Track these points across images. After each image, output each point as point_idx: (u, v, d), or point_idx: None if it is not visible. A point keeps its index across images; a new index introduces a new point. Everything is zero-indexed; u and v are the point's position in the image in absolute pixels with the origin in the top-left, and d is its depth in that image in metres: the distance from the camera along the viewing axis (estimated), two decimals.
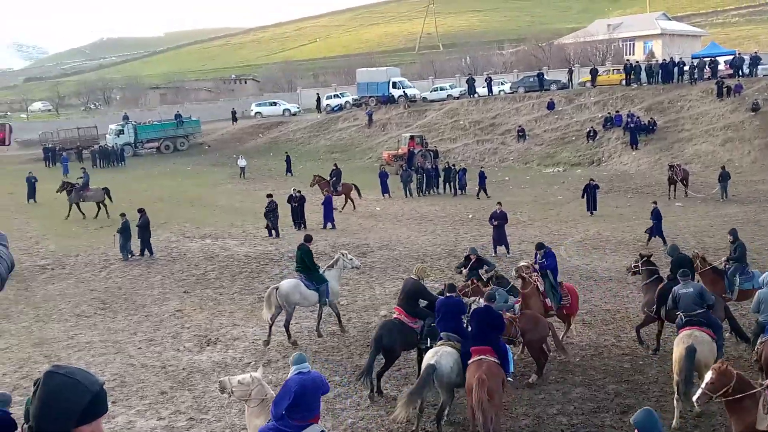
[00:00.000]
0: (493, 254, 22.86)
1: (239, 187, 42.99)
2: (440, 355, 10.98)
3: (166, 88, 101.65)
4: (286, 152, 50.32)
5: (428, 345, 12.25)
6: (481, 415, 9.99)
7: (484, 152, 50.20)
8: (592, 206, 30.49)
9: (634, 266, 15.51)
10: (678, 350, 11.12)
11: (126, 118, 62.61)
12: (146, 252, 24.76)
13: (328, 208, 30.13)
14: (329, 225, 29.69)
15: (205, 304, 18.93)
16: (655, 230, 24.09)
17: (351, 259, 16.73)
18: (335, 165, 37.46)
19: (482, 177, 36.65)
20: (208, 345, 15.79)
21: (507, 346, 11.64)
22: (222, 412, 12.33)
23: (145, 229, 24.72)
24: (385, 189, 38.02)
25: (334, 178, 35.30)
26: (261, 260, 23.92)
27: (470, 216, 30.90)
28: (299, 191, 30.52)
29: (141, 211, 25.00)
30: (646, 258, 15.34)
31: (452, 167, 40.01)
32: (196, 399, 12.89)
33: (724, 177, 32.75)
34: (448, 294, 11.93)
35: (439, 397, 11.21)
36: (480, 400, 9.99)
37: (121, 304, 19.14)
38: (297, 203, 29.97)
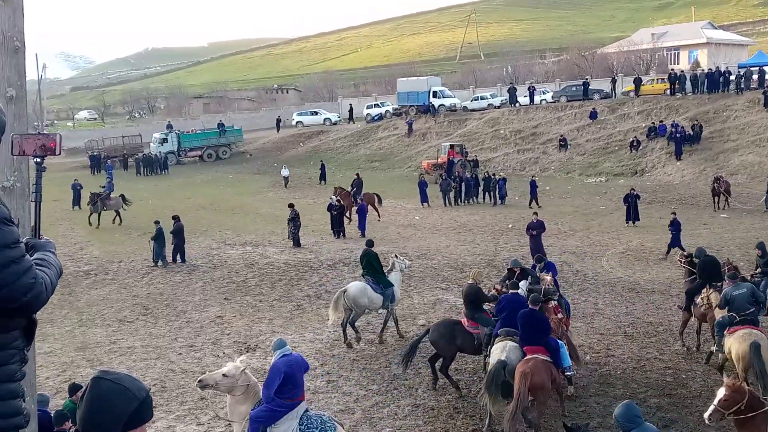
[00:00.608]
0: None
1: (280, 196, 43.28)
2: (508, 350, 11.35)
3: (209, 98, 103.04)
4: (321, 160, 50.64)
5: (488, 353, 12.36)
6: (514, 405, 10.31)
7: (524, 162, 49.85)
8: (633, 216, 30.07)
9: (679, 259, 16.52)
10: (741, 347, 11.41)
11: (170, 126, 63.61)
12: (178, 259, 25.02)
13: (361, 216, 30.23)
14: (361, 233, 29.82)
15: (245, 311, 19.06)
16: (674, 241, 23.71)
17: (403, 260, 17.28)
18: (357, 175, 37.44)
19: (534, 186, 36.35)
20: (247, 351, 15.86)
21: (558, 341, 11.94)
22: None
23: (177, 235, 24.99)
24: (424, 198, 37.95)
25: (356, 189, 35.00)
26: (300, 268, 24.02)
27: (510, 226, 30.67)
28: (339, 200, 30.64)
29: (175, 218, 25.34)
30: (689, 257, 15.69)
31: (492, 176, 39.78)
32: None
33: None
34: (512, 291, 12.48)
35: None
36: (519, 392, 10.34)
37: (162, 310, 19.38)
38: (336, 212, 30.10)
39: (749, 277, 15.15)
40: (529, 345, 11.14)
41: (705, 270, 14.65)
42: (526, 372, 10.55)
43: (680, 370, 13.88)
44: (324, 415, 9.50)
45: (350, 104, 69.62)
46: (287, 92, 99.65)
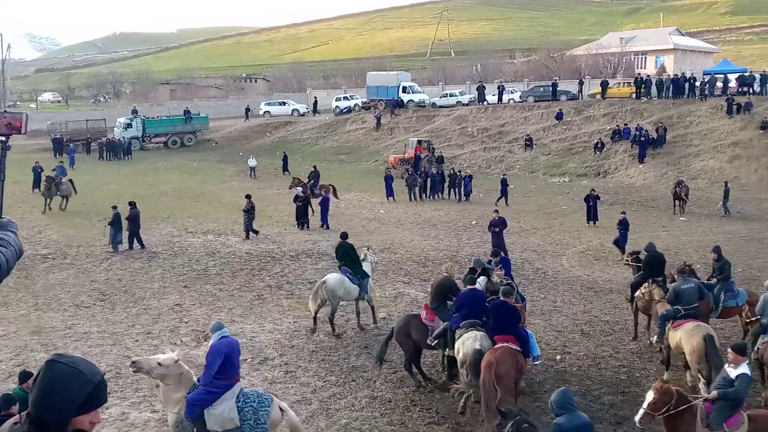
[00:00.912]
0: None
1: (245, 185, 42.92)
2: (480, 338, 11.65)
3: (176, 84, 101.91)
4: (284, 151, 50.49)
5: (451, 347, 12.58)
6: (483, 394, 10.63)
7: (490, 160, 50.14)
8: (593, 216, 30.50)
9: (625, 258, 17.47)
10: (695, 339, 11.91)
11: (135, 112, 62.83)
12: (136, 245, 24.75)
13: (324, 208, 30.18)
14: (324, 225, 29.81)
15: (205, 300, 18.92)
16: (621, 239, 24.09)
17: (372, 254, 17.74)
18: (314, 167, 36.89)
19: (504, 184, 36.61)
20: (205, 340, 15.71)
21: (528, 331, 12.35)
22: None
23: (132, 222, 24.69)
24: (389, 192, 38.00)
25: (313, 181, 34.52)
26: (262, 258, 23.90)
27: (473, 222, 30.85)
28: (304, 191, 30.54)
29: (132, 204, 25.03)
30: (635, 254, 17.11)
31: (458, 173, 39.97)
32: None
33: (725, 193, 32.75)
34: (470, 287, 12.66)
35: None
36: (484, 381, 10.66)
37: (120, 296, 19.15)
38: (302, 203, 30.00)
39: (705, 281, 15.45)
40: (500, 334, 11.41)
41: (650, 264, 15.51)
42: (491, 362, 10.81)
43: (634, 369, 14.10)
44: (259, 390, 9.79)
45: (315, 97, 69.47)
46: (256, 81, 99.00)
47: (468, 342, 11.71)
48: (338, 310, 16.50)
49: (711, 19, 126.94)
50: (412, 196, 38.36)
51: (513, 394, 11.61)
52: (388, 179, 38.43)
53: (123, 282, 20.65)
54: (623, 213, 25.55)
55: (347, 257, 16.75)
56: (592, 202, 30.58)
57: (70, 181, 33.67)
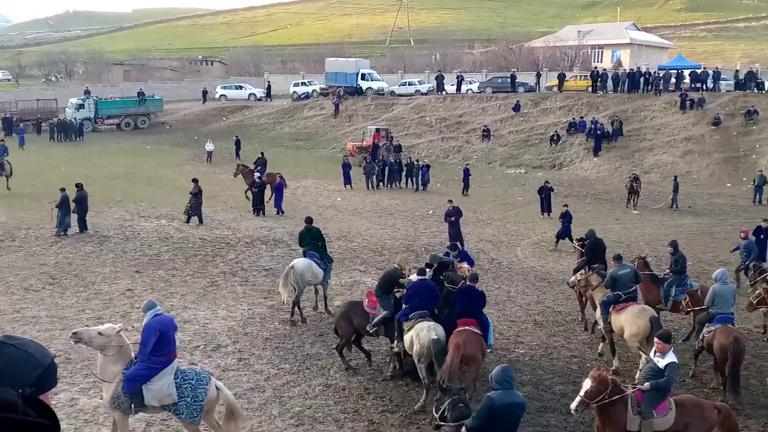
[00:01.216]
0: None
1: (199, 169, 42.44)
2: (434, 328, 11.72)
3: (130, 65, 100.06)
4: (236, 135, 50.05)
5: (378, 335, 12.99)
6: (445, 374, 10.63)
7: (448, 150, 50.32)
8: (546, 208, 30.84)
9: (573, 244, 18.80)
10: (642, 321, 12.71)
11: (87, 92, 61.47)
12: (86, 228, 24.30)
13: (278, 194, 29.96)
14: (279, 212, 29.66)
15: (157, 285, 18.64)
16: (564, 232, 24.49)
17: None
18: (261, 153, 36.38)
19: (467, 174, 36.83)
20: None
21: (489, 319, 12.58)
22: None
23: (79, 204, 24.17)
24: (347, 180, 37.89)
25: (259, 167, 33.74)
26: (217, 244, 23.64)
27: (430, 212, 30.94)
28: (261, 177, 30.27)
29: (79, 186, 24.50)
30: (582, 240, 17.72)
31: (415, 163, 40.02)
32: None
33: (675, 187, 33.41)
34: (420, 278, 12.65)
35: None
36: (451, 362, 10.78)
37: (70, 281, 18.76)
38: (258, 189, 29.74)
39: (662, 275, 15.72)
40: (464, 318, 11.69)
41: (592, 249, 16.33)
42: (459, 343, 11.03)
43: (585, 359, 14.29)
44: (197, 368, 10.08)
45: (268, 81, 68.80)
46: (212, 64, 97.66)
47: (423, 333, 11.70)
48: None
49: (667, 14, 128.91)
50: (370, 185, 38.32)
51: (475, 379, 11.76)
52: (346, 167, 38.31)
53: (73, 266, 20.23)
54: (566, 206, 25.86)
55: (314, 241, 16.94)
56: (545, 194, 30.92)
57: (8, 162, 32.82)
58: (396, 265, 13.90)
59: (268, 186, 31.08)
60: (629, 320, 13.04)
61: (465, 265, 14.64)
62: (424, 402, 11.65)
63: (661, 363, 9.24)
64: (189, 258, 21.73)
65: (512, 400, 7.80)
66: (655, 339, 9.62)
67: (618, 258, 14.18)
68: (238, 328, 15.56)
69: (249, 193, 31.02)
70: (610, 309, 13.52)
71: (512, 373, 8.02)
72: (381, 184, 38.96)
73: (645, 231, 27.88)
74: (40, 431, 2.57)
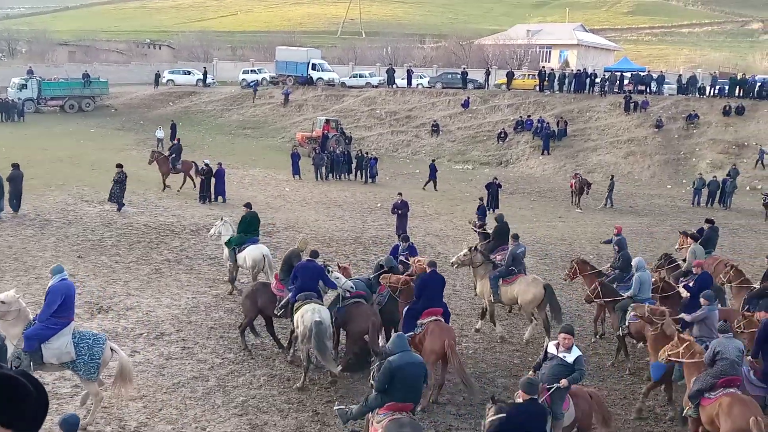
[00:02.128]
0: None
1: (144, 155, 41.69)
2: (319, 311, 12.05)
3: (75, 46, 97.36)
4: (172, 120, 49.64)
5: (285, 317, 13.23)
6: (462, 377, 11.41)
7: (397, 143, 50.48)
8: (493, 204, 31.25)
9: (473, 227, 21.17)
10: (536, 289, 14.55)
11: (30, 72, 59.69)
12: (22, 209, 23.73)
13: (219, 180, 29.70)
14: (222, 198, 29.48)
15: (99, 271, 18.32)
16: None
17: (226, 224, 18.24)
18: (177, 140, 34.97)
19: (433, 169, 36.80)
20: (99, 313, 15.31)
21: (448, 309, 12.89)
22: (109, 381, 11.96)
23: (13, 183, 23.37)
24: (295, 170, 37.72)
25: (174, 155, 32.09)
26: (161, 231, 23.34)
27: (378, 205, 31.03)
28: (207, 164, 29.92)
29: (15, 165, 23.81)
30: (483, 226, 20.56)
31: (364, 155, 40.07)
32: None
33: (611, 186, 34.17)
34: (308, 259, 12.95)
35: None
36: (459, 365, 11.44)
37: (9, 264, 18.28)
38: (205, 176, 29.41)
39: (608, 269, 16.12)
40: (431, 307, 12.11)
41: (498, 233, 18.32)
42: (451, 343, 11.50)
43: (527, 353, 14.58)
44: (93, 330, 10.93)
45: (204, 67, 67.64)
46: (160, 48, 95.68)
47: (307, 315, 11.92)
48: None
49: (614, 17, 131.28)
50: (319, 176, 38.23)
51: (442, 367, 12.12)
52: (295, 157, 38.13)
53: (13, 249, 19.72)
54: (481, 199, 26.59)
55: (252, 226, 17.46)
56: (493, 189, 31.33)
57: None
58: (297, 245, 14.38)
59: (182, 173, 30.94)
60: (523, 289, 14.75)
61: (422, 259, 14.74)
62: (303, 383, 12.19)
63: (570, 358, 9.18)
64: (132, 244, 21.40)
65: (409, 360, 8.48)
66: (561, 334, 9.35)
67: (516, 237, 16.09)
68: (183, 317, 15.42)
69: (168, 181, 30.70)
70: (500, 282, 15.06)
71: (404, 339, 8.85)
72: (330, 175, 38.89)
73: (587, 230, 28.45)
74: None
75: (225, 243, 17.65)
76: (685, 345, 10.47)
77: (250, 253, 17.09)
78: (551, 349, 9.46)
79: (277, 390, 12.16)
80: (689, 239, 17.93)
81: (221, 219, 18.41)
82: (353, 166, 39.65)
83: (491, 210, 31.13)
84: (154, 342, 13.93)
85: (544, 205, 34.25)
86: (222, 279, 18.48)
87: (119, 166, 26.39)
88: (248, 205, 18.21)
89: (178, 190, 30.30)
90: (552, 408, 8.93)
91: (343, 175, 39.43)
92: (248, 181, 35.81)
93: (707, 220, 21.03)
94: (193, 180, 31.11)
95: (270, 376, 12.70)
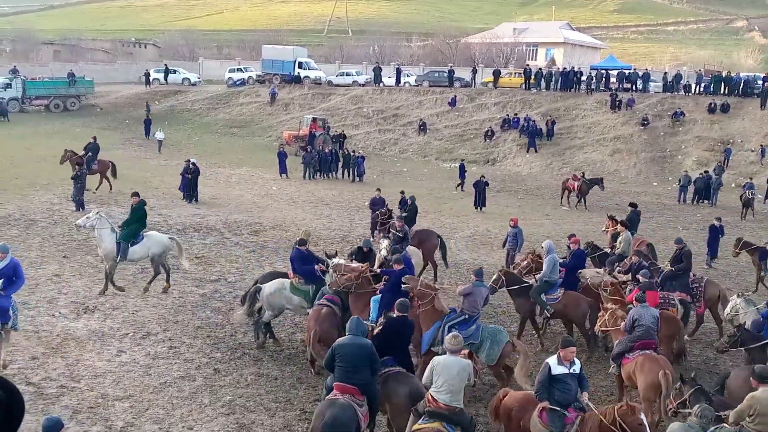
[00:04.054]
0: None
1: (129, 154, 41.60)
2: (280, 282, 13.79)
3: (60, 45, 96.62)
4: (148, 114, 50.11)
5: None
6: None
7: (385, 142, 50.47)
8: (480, 202, 31.31)
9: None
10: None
11: (15, 71, 59.27)
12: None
13: (185, 180, 29.54)
14: (191, 199, 29.25)
15: (85, 271, 18.22)
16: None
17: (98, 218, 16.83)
18: (93, 138, 31.97)
19: (462, 170, 37.04)
20: (85, 312, 15.23)
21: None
22: (95, 381, 11.92)
23: None
24: (282, 169, 37.65)
25: (90, 154, 30.10)
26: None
27: (366, 203, 30.94)
28: (194, 162, 29.81)
29: None
30: (389, 212, 21.84)
31: (351, 154, 40.03)
32: (69, 367, 12.41)
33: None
34: (300, 248, 14.02)
35: None
36: None
37: None
38: (191, 175, 29.30)
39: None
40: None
41: (410, 214, 21.13)
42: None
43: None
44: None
45: (165, 64, 67.04)
46: (145, 47, 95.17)
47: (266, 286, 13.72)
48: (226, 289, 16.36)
49: (600, 15, 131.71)
50: (308, 175, 38.12)
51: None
52: (282, 155, 38.06)
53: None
54: (402, 192, 26.05)
55: (144, 217, 17.12)
56: (480, 188, 31.38)
57: None
58: (301, 236, 15.07)
59: (98, 174, 29.34)
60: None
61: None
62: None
63: (576, 368, 8.96)
64: None
65: (352, 342, 8.96)
66: (566, 349, 8.94)
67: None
68: (169, 316, 15.36)
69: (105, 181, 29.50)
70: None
71: (363, 325, 9.27)
72: (317, 174, 38.82)
73: (573, 227, 28.42)
74: None
75: (118, 239, 16.30)
76: (609, 313, 12.36)
77: (156, 241, 16.72)
78: (558, 368, 8.87)
79: (264, 389, 12.13)
80: (619, 225, 18.86)
81: (95, 212, 16.87)
82: (340, 164, 39.59)
83: (479, 208, 31.24)
84: (141, 342, 13.86)
85: (531, 203, 34.34)
86: (209, 278, 18.42)
87: (79, 164, 26.13)
88: (137, 194, 17.46)
89: (94, 191, 28.75)
90: (550, 426, 8.77)
91: (330, 173, 39.35)
92: (235, 180, 35.71)
93: (631, 204, 23.11)
94: (109, 181, 29.52)
95: (257, 375, 12.67)
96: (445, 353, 8.95)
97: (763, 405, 8.26)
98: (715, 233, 22.73)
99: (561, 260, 15.20)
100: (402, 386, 9.39)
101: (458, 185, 36.75)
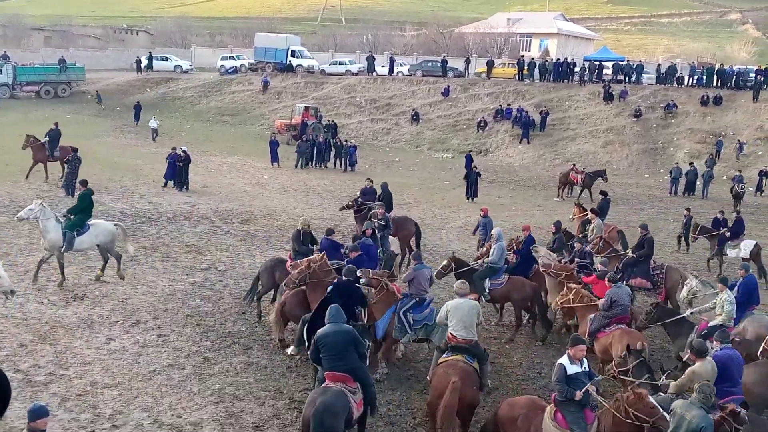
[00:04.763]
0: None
1: (120, 141, 41.41)
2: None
3: (51, 31, 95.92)
4: (137, 101, 50.04)
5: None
6: None
7: (377, 131, 50.35)
8: (472, 193, 31.28)
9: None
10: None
11: (5, 57, 58.81)
12: None
13: (173, 166, 29.46)
14: (171, 183, 29.20)
15: (75, 258, 18.09)
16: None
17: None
18: (55, 124, 30.10)
19: (469, 160, 36.03)
20: (74, 300, 15.16)
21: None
22: (83, 369, 11.88)
23: None
24: (274, 158, 37.52)
25: (51, 140, 28.63)
26: (138, 218, 23.13)
27: (357, 193, 30.84)
28: (185, 150, 29.67)
29: None
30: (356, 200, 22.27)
31: (343, 143, 39.91)
32: (58, 354, 12.36)
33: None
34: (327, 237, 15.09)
35: None
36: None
37: None
38: (182, 163, 29.17)
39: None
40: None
41: (385, 201, 20.63)
42: None
43: (502, 341, 14.62)
44: None
45: (150, 51, 66.29)
46: (137, 34, 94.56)
47: None
48: (216, 277, 16.30)
49: (594, 6, 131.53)
50: (301, 164, 37.95)
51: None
52: (273, 144, 37.92)
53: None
54: (369, 179, 26.09)
55: (91, 206, 16.74)
56: (472, 178, 31.35)
57: None
58: (300, 227, 15.71)
59: (59, 161, 27.93)
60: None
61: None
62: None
63: (585, 365, 8.92)
64: None
65: (333, 330, 9.06)
66: (576, 347, 8.90)
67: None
68: (158, 304, 15.31)
69: (46, 168, 28.37)
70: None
71: (341, 313, 9.36)
72: (309, 163, 38.68)
73: (564, 218, 28.48)
74: None
75: (64, 229, 15.98)
76: (573, 292, 13.10)
77: (103, 230, 16.53)
78: (572, 367, 8.78)
79: (253, 378, 12.11)
80: (590, 213, 19.96)
81: (37, 202, 16.35)
82: (332, 154, 39.46)
83: (470, 199, 31.23)
84: (130, 330, 13.81)
85: (523, 194, 34.34)
86: (199, 267, 18.36)
87: (75, 150, 25.98)
88: (84, 183, 17.16)
89: (46, 180, 27.95)
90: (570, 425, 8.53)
91: (321, 163, 39.20)
92: (226, 169, 35.58)
93: (601, 192, 24.80)
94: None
95: (247, 363, 12.65)
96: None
97: (702, 378, 8.75)
98: (718, 226, 22.80)
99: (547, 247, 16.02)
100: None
101: (466, 176, 36.45)
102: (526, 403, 9.14)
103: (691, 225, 23.15)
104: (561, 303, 13.24)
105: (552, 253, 15.78)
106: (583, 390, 8.60)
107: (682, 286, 15.52)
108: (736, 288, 13.40)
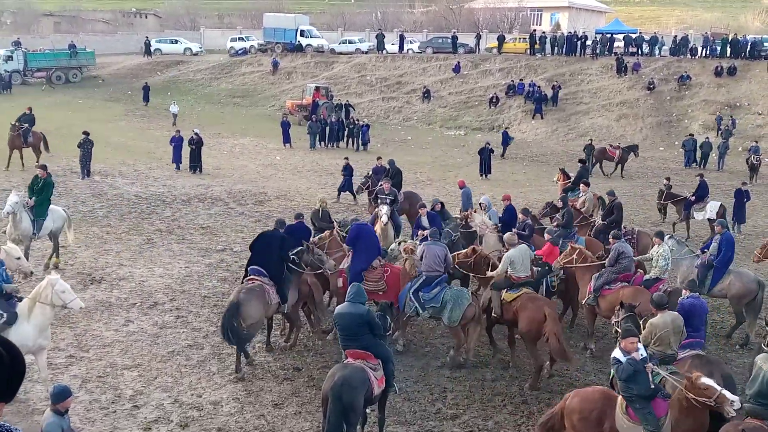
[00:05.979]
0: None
1: (133, 125, 41.46)
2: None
3: (60, 16, 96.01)
4: (146, 82, 50.49)
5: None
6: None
7: (389, 110, 50.16)
8: (485, 169, 31.13)
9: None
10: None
11: (17, 43, 58.92)
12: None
13: (178, 151, 29.51)
14: (177, 166, 29.32)
15: (91, 242, 18.24)
16: (345, 185, 25.72)
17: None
18: (29, 109, 29.49)
19: (506, 137, 37.28)
20: (92, 283, 15.26)
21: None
22: (103, 351, 11.98)
23: None
24: (286, 138, 37.47)
25: (25, 125, 27.54)
26: (152, 201, 23.21)
27: (370, 172, 30.81)
28: (197, 132, 29.68)
29: None
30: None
31: (356, 122, 39.78)
32: (77, 337, 12.48)
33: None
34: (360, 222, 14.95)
35: None
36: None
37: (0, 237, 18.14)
38: (195, 146, 29.19)
39: (554, 225, 16.26)
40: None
41: (394, 178, 20.59)
42: None
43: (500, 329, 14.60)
44: None
45: (147, 37, 65.76)
46: (146, 17, 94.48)
47: None
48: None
49: None
50: (315, 144, 37.84)
51: None
52: (285, 125, 37.87)
53: (3, 222, 19.55)
54: (347, 159, 26.32)
55: (49, 192, 16.44)
56: (486, 155, 31.17)
57: None
58: (318, 205, 16.30)
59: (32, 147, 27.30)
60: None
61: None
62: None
63: (642, 352, 8.27)
64: (124, 215, 21.30)
65: (348, 310, 9.02)
66: (628, 339, 8.23)
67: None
68: (176, 286, 15.39)
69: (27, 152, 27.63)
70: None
71: (363, 292, 9.31)
72: (321, 142, 38.60)
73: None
74: None
75: (34, 217, 15.83)
76: (576, 252, 13.09)
77: (58, 216, 16.37)
78: (640, 351, 8.26)
79: (272, 356, 12.18)
80: (583, 186, 20.00)
81: (16, 194, 15.98)
82: (345, 133, 39.36)
83: (484, 176, 31.08)
84: (148, 311, 13.90)
85: (537, 170, 34.16)
86: (214, 248, 18.41)
87: (85, 133, 26.16)
88: (44, 167, 16.87)
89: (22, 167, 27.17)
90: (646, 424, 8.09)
91: (334, 143, 39.11)
92: (238, 150, 35.59)
93: (580, 161, 25.25)
94: (37, 154, 27.16)
95: (265, 342, 12.70)
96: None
97: (660, 329, 9.08)
98: (741, 197, 22.60)
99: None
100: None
101: (501, 154, 36.32)
102: (600, 396, 8.49)
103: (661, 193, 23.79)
104: (564, 263, 13.23)
105: (489, 222, 15.83)
106: (652, 373, 8.17)
107: None
108: (717, 245, 13.80)
